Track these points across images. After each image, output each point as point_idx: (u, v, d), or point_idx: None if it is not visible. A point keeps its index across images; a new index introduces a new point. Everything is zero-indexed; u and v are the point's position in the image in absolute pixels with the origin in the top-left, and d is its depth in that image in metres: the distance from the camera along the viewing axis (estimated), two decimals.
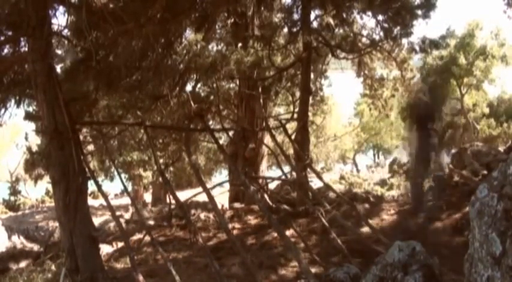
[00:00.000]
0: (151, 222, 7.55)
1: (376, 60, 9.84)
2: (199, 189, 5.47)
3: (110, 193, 21.98)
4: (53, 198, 5.29)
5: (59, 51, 6.07)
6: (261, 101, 8.39)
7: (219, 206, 6.53)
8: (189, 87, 7.92)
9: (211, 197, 4.87)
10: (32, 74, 4.17)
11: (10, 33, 4.59)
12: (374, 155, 36.70)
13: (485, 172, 6.81)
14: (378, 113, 13.19)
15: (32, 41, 4.09)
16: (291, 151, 10.71)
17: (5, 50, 4.97)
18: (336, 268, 2.90)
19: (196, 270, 4.63)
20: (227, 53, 6.14)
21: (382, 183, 19.34)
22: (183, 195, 8.81)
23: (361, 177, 21.02)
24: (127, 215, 10.15)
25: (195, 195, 6.30)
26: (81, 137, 6.03)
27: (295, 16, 7.34)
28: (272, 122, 9.86)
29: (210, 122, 9.09)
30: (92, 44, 4.15)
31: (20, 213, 16.30)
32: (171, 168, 12.33)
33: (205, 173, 16.77)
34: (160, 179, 5.68)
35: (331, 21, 7.38)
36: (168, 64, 5.77)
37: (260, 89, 8.28)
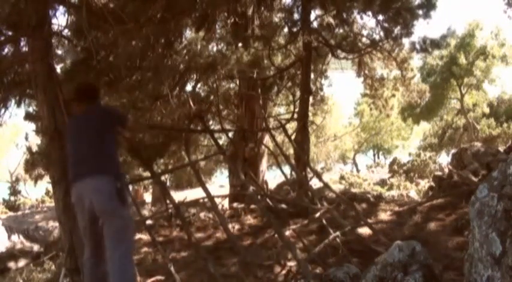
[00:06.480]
0: (151, 222, 7.55)
1: (376, 60, 9.83)
2: (199, 189, 5.47)
3: None
4: (53, 198, 5.29)
5: (59, 51, 6.06)
6: (261, 101, 8.38)
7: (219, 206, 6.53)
8: (189, 87, 7.92)
9: (211, 197, 4.88)
10: (32, 74, 4.16)
11: (10, 33, 4.58)
12: (374, 155, 36.69)
13: (485, 172, 6.81)
14: (378, 113, 13.21)
15: (32, 41, 4.08)
16: (291, 151, 10.72)
17: (5, 50, 4.97)
18: (335, 268, 2.90)
19: (196, 270, 4.63)
20: (227, 52, 6.13)
21: (382, 183, 19.36)
22: (183, 195, 8.81)
23: (361, 177, 21.03)
24: None
25: (198, 200, 6.27)
26: None
27: (295, 16, 7.35)
28: (272, 122, 9.85)
29: (210, 122, 9.07)
30: (92, 44, 4.14)
31: (20, 213, 16.29)
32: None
33: (205, 173, 16.78)
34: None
35: (331, 21, 7.38)
36: (168, 64, 5.76)
37: (260, 89, 8.28)
